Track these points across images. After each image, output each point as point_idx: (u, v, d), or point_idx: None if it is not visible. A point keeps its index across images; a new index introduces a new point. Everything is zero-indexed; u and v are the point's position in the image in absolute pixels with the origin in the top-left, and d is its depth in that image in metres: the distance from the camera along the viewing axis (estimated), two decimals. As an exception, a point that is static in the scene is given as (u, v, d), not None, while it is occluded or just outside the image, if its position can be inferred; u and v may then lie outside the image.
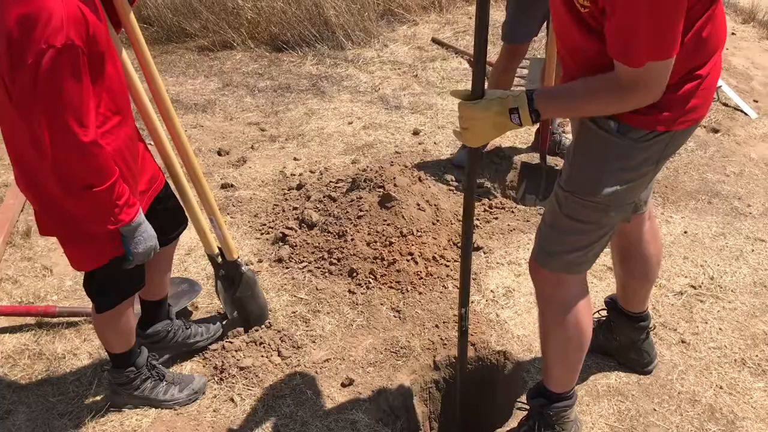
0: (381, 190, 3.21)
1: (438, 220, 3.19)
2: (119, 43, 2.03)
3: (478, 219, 3.33)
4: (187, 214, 2.42)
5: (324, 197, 3.35)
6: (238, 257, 2.64)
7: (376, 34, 5.51)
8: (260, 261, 3.12)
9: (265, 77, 5.05)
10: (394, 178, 3.25)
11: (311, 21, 5.38)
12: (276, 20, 5.44)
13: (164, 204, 2.28)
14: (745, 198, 3.50)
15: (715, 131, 4.07)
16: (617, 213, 1.85)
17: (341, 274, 2.99)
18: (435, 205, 3.26)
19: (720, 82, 4.39)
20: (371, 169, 3.36)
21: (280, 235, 3.22)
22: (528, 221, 3.35)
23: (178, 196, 2.37)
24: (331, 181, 3.52)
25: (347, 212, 3.19)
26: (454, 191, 3.47)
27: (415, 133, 4.18)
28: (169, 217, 2.33)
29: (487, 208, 3.45)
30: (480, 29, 1.71)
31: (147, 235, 1.99)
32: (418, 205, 3.19)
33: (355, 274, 2.96)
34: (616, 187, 1.78)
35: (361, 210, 3.17)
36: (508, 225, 3.31)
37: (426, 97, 4.64)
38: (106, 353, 2.38)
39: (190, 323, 2.61)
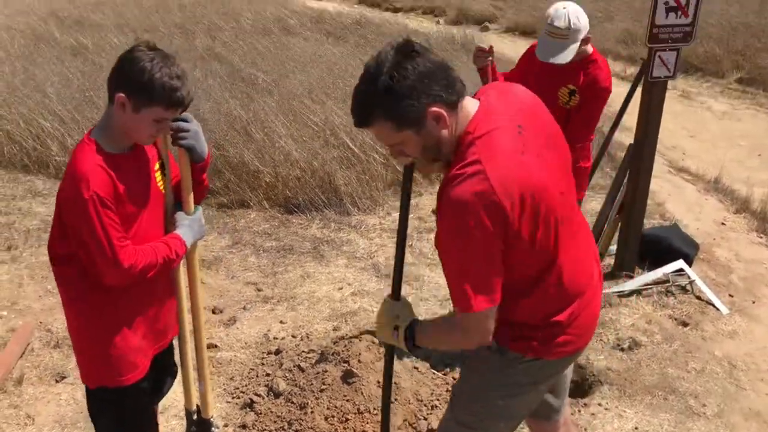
0: (345, 365, 3.44)
1: (396, 399, 3.37)
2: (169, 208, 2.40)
3: (438, 399, 3.50)
4: (179, 365, 2.69)
5: (294, 366, 3.58)
6: (212, 417, 2.86)
7: (381, 202, 5.93)
8: (226, 425, 3.32)
9: (273, 237, 5.44)
10: (360, 353, 3.48)
11: (322, 188, 5.84)
12: (291, 185, 5.91)
13: (165, 361, 2.59)
14: (701, 397, 3.60)
15: (685, 324, 4.22)
16: (498, 424, 2.05)
17: (297, 446, 3.16)
18: (396, 383, 3.45)
19: (694, 276, 4.58)
20: (341, 343, 3.60)
21: (249, 401, 3.43)
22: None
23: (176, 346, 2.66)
24: (303, 351, 3.77)
25: (312, 384, 3.41)
26: (418, 370, 3.66)
27: (399, 304, 4.43)
28: (164, 373, 2.63)
29: (450, 388, 3.61)
30: (400, 239, 2.04)
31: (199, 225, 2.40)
32: (379, 382, 3.39)
33: (309, 447, 3.14)
34: (496, 402, 2.00)
35: (324, 383, 3.38)
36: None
37: (416, 267, 4.94)
38: None
39: None
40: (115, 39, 11.05)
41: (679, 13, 3.91)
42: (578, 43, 3.29)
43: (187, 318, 2.60)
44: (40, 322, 4.10)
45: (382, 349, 3.64)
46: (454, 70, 1.76)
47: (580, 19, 3.26)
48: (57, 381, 3.60)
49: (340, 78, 8.25)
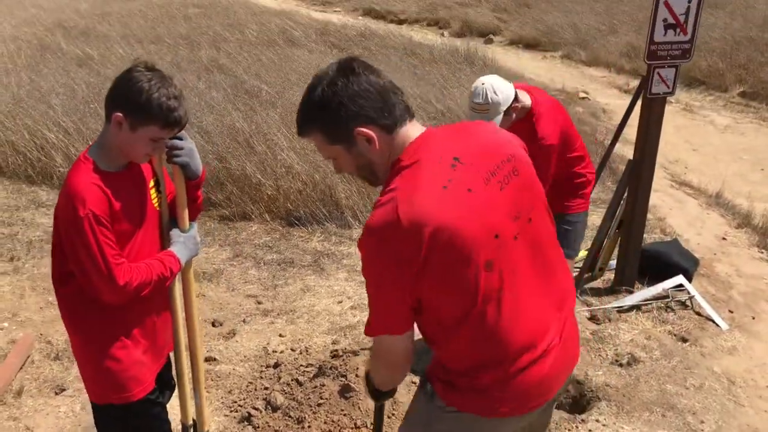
0: (343, 379, 3.45)
1: (393, 414, 3.38)
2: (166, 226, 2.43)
3: None
4: (175, 380, 2.70)
5: (292, 380, 3.59)
6: (208, 431, 2.88)
7: (383, 215, 5.94)
8: (223, 439, 3.34)
9: (274, 250, 5.46)
10: (357, 368, 3.49)
11: (323, 201, 5.86)
12: (293, 198, 5.94)
13: (163, 375, 2.60)
14: (699, 414, 3.59)
15: (684, 340, 4.21)
16: None
17: (293, 461, 3.17)
18: (393, 398, 3.45)
19: (693, 292, 4.58)
20: (338, 357, 3.61)
21: (247, 414, 3.44)
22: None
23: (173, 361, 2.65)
24: (302, 365, 3.78)
25: (309, 398, 3.42)
26: (416, 384, 3.66)
27: (398, 318, 4.44)
28: (163, 386, 2.63)
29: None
30: None
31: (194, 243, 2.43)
32: (376, 397, 3.40)
33: (305, 461, 3.15)
34: None
35: (321, 397, 3.39)
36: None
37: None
38: None
39: None
40: (120, 50, 11.14)
41: (678, 30, 3.93)
42: (501, 115, 3.37)
43: (183, 332, 2.62)
44: (41, 334, 4.12)
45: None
46: (399, 95, 1.73)
47: (497, 92, 3.34)
48: (56, 393, 3.62)
49: (343, 90, 8.27)
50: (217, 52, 11.20)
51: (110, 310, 2.23)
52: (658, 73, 4.05)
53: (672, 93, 4.16)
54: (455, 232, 1.62)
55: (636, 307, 4.51)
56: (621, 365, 3.94)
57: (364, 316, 4.49)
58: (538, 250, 1.81)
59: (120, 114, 2.08)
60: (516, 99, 3.42)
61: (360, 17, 17.23)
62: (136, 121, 2.09)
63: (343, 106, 1.67)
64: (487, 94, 3.35)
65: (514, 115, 3.45)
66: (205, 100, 7.89)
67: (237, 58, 10.66)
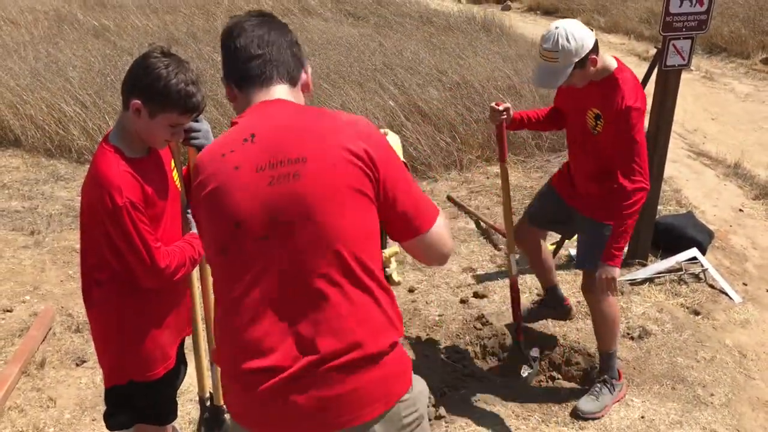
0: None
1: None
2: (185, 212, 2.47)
3: (448, 387, 3.57)
4: (194, 353, 2.76)
5: (306, 353, 3.66)
6: (224, 404, 2.95)
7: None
8: (239, 410, 3.41)
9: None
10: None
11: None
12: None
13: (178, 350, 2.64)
14: (709, 386, 3.62)
15: (696, 313, 4.22)
16: None
17: None
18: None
19: (707, 264, 4.58)
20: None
21: (262, 386, 3.51)
22: (497, 395, 3.54)
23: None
24: (316, 338, 3.84)
25: (323, 371, 3.48)
26: (429, 357, 3.72)
27: (411, 290, 4.48)
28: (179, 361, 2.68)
29: (460, 376, 3.67)
30: None
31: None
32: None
33: None
34: None
35: (334, 370, 3.45)
36: (476, 395, 3.51)
37: (430, 254, 4.97)
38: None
39: None
40: (136, 20, 11.14)
41: (695, 0, 3.87)
42: (572, 67, 2.95)
43: (199, 306, 2.67)
44: (62, 307, 4.22)
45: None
46: (263, 59, 1.79)
47: (571, 39, 2.90)
48: (77, 365, 3.72)
49: (357, 61, 8.25)
50: (233, 22, 11.14)
51: (143, 292, 2.27)
52: (674, 45, 4.01)
53: (687, 65, 4.12)
54: (207, 197, 1.68)
55: (649, 280, 4.52)
56: (632, 338, 3.96)
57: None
58: (295, 272, 1.62)
59: (138, 101, 2.10)
60: (595, 51, 2.96)
61: (376, -16, 17.02)
62: (155, 108, 2.10)
63: (224, 59, 1.84)
64: (558, 40, 2.90)
65: (592, 70, 3.00)
66: (220, 72, 7.88)
67: (252, 28, 10.59)
